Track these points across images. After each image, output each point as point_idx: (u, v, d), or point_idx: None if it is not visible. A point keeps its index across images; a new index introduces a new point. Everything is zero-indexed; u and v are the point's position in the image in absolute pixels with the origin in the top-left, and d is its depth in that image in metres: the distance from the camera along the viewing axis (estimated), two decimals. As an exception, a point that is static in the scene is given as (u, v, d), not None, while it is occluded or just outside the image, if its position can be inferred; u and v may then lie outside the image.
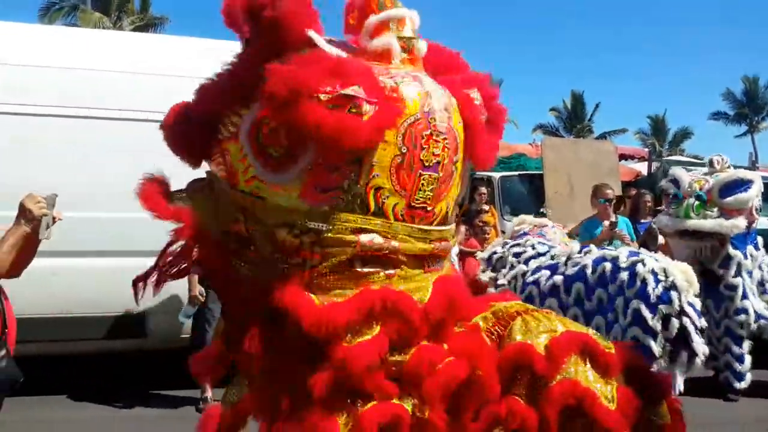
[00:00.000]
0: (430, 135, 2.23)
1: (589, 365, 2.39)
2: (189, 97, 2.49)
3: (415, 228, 2.29)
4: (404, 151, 2.20)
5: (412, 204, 2.26)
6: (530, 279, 5.52)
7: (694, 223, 6.63)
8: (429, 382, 2.19)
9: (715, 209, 6.63)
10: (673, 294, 4.84)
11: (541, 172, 10.75)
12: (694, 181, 6.86)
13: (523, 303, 2.69)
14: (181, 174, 2.64)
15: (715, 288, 6.64)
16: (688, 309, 4.82)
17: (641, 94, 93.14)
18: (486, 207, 9.50)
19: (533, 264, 5.64)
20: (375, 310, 2.19)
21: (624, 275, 5.00)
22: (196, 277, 5.86)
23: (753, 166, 12.92)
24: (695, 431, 2.69)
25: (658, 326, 4.77)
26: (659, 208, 8.12)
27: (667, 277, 4.95)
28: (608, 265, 5.15)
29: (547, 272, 5.48)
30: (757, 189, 6.65)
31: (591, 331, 2.61)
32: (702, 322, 4.91)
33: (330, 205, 2.21)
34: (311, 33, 2.19)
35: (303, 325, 2.15)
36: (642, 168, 15.02)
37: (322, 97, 2.07)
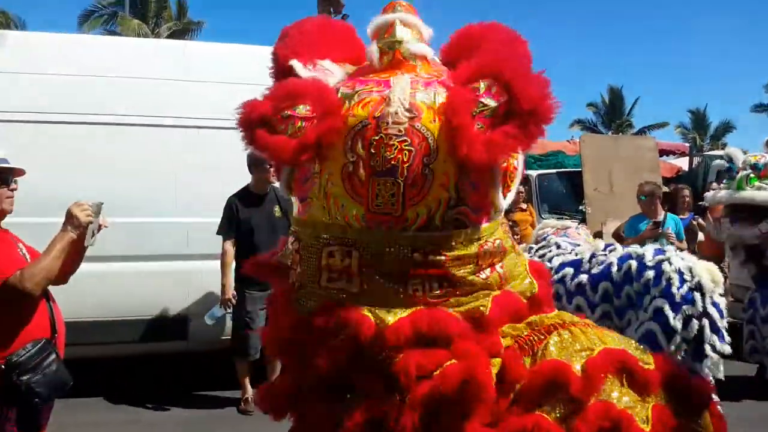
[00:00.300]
0: (381, 139, 2.18)
1: (626, 385, 2.33)
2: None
3: (381, 232, 2.23)
4: (352, 158, 2.21)
5: (372, 209, 2.23)
6: (556, 278, 5.51)
7: (748, 194, 6.38)
8: (419, 386, 2.15)
9: None
10: (697, 295, 4.82)
11: (579, 169, 10.64)
12: (750, 156, 6.63)
13: (560, 314, 2.60)
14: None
15: (767, 279, 6.42)
16: (711, 310, 4.80)
17: (682, 87, 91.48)
18: (524, 206, 9.44)
19: (556, 261, 5.63)
20: (328, 326, 2.22)
21: (650, 273, 4.98)
22: (231, 281, 5.93)
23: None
24: (739, 429, 2.64)
25: (679, 326, 4.76)
26: (700, 203, 8.01)
27: (693, 276, 4.91)
28: (634, 263, 5.13)
29: (571, 270, 5.47)
30: None
31: (632, 344, 2.53)
32: (724, 323, 4.87)
33: (307, 214, 2.35)
34: (293, 62, 2.37)
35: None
36: (683, 163, 14.79)
37: (274, 120, 2.25)
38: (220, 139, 6.04)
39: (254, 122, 2.23)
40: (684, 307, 4.79)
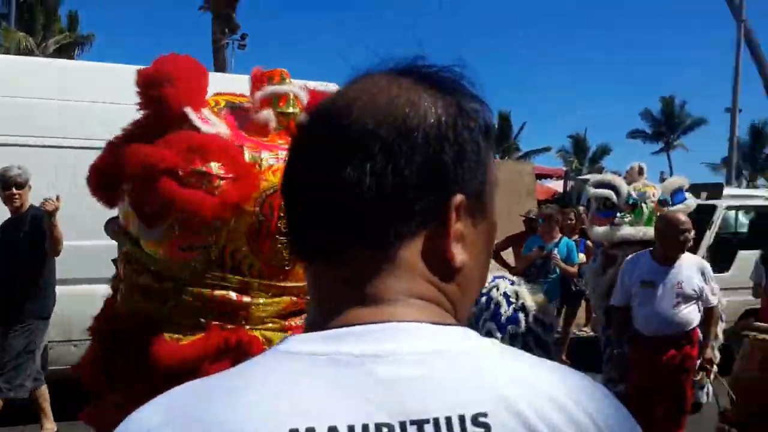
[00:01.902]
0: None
1: None
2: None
3: (272, 284, 2.49)
4: (261, 219, 2.41)
5: (269, 264, 2.46)
6: None
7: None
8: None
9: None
10: (521, 315, 5.28)
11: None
12: (646, 187, 6.02)
13: None
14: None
15: None
16: (535, 327, 5.26)
17: (565, 113, 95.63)
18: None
19: None
20: (221, 347, 2.42)
21: (483, 300, 5.42)
22: None
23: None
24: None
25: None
26: (583, 226, 8.00)
27: (517, 299, 5.38)
28: None
29: None
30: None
31: None
32: (551, 337, 5.34)
33: (193, 261, 2.46)
34: (187, 110, 2.41)
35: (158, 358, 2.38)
36: (559, 186, 15.50)
37: (180, 172, 2.32)
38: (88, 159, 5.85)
39: (160, 172, 2.30)
40: (508, 327, 5.24)
